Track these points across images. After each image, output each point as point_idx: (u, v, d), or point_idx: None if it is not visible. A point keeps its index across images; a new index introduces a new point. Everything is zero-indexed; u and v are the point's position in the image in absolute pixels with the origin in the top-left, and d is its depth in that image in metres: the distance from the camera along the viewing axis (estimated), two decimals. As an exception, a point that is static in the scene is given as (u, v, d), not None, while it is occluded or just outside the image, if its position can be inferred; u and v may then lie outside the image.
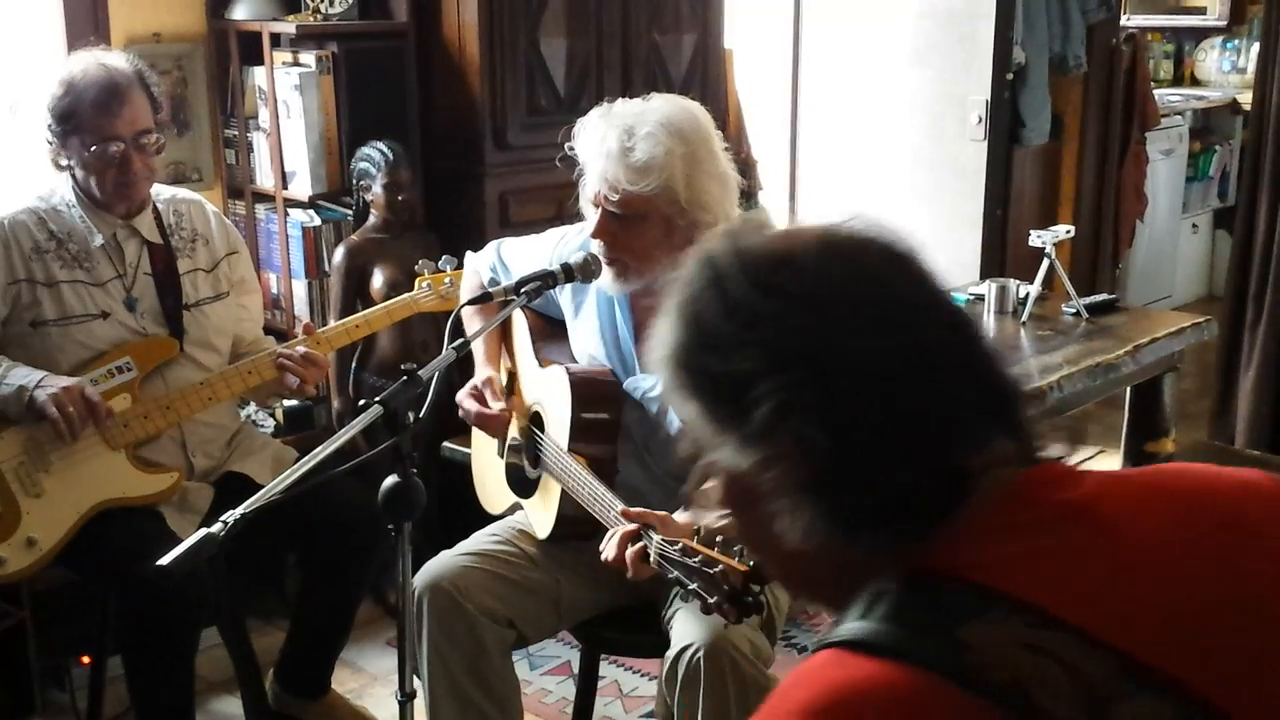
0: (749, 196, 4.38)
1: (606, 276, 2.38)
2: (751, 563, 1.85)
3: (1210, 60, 7.01)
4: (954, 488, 0.98)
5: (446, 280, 2.95)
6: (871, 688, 0.91)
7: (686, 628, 2.23)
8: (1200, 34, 7.02)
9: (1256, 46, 6.37)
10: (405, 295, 2.96)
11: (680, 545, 1.93)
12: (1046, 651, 0.90)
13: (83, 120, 2.62)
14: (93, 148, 2.63)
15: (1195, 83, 7.07)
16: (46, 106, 2.65)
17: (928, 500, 0.98)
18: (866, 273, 1.03)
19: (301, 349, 2.78)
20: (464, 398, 2.57)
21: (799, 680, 0.96)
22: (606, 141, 2.28)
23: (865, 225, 1.07)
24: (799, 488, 0.99)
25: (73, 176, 2.71)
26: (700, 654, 2.16)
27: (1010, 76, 4.92)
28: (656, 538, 1.99)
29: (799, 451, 0.98)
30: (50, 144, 2.68)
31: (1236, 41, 6.88)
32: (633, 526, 2.06)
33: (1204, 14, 6.91)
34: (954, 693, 0.89)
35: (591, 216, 2.37)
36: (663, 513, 2.12)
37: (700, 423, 1.05)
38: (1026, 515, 0.99)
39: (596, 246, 2.36)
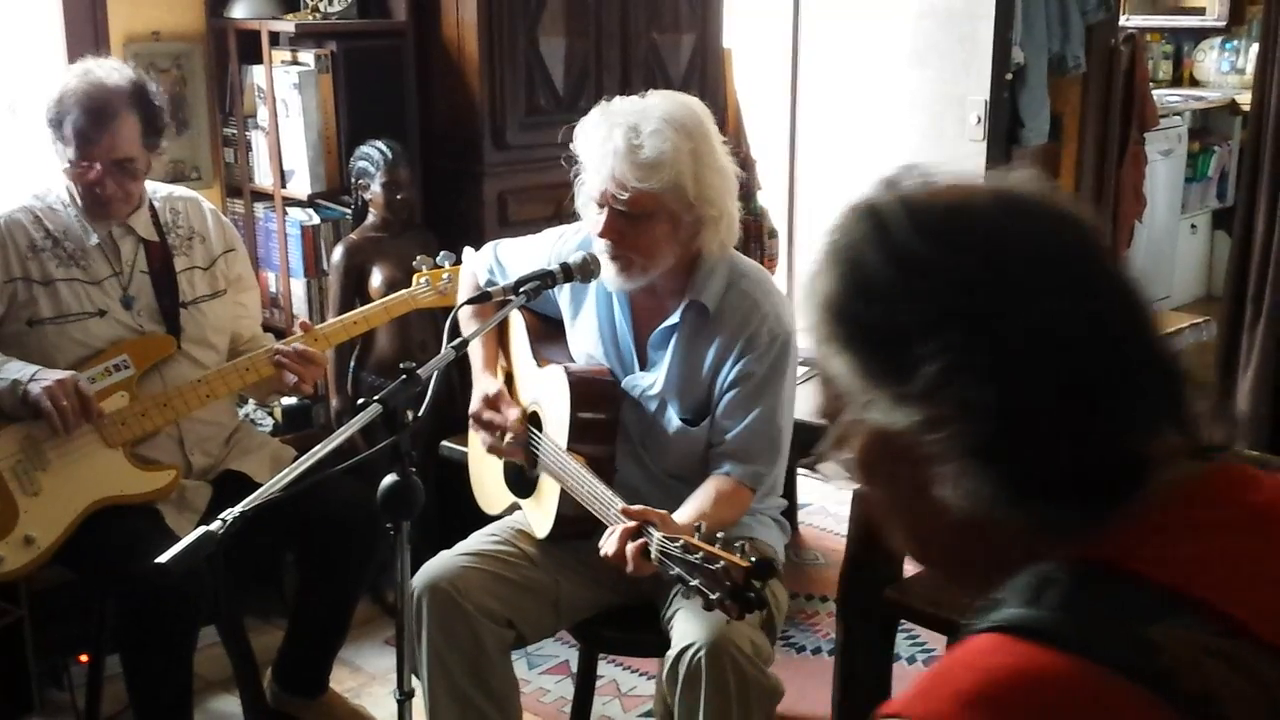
0: (748, 196, 4.38)
1: (610, 272, 2.37)
2: (754, 559, 1.84)
3: (1209, 61, 7.01)
4: (1128, 472, 0.92)
5: (444, 276, 2.94)
6: (1050, 678, 0.85)
7: (687, 627, 2.23)
8: (1199, 34, 7.02)
9: (1255, 47, 6.36)
10: (403, 291, 2.96)
11: (681, 542, 1.92)
12: (1238, 663, 0.84)
13: (65, 136, 2.63)
14: (67, 165, 2.64)
15: (1194, 83, 7.07)
16: (45, 109, 2.65)
17: (1101, 480, 0.91)
18: (1045, 232, 0.96)
19: (297, 345, 2.78)
20: (480, 409, 2.53)
21: (961, 663, 0.88)
22: (612, 140, 2.27)
23: (1039, 185, 1.00)
24: (966, 452, 0.92)
25: None
26: (702, 653, 2.16)
27: (1009, 77, 4.91)
28: (657, 534, 1.99)
29: (963, 414, 0.92)
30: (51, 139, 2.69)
31: (1235, 42, 6.88)
32: (633, 524, 2.06)
33: (1203, 14, 6.91)
34: (1141, 694, 0.83)
35: (592, 216, 2.36)
36: (663, 511, 2.12)
37: (850, 377, 0.98)
38: (1213, 516, 0.93)
39: (601, 244, 2.36)
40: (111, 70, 2.69)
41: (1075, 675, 0.84)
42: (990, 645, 0.88)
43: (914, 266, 0.95)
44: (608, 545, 2.09)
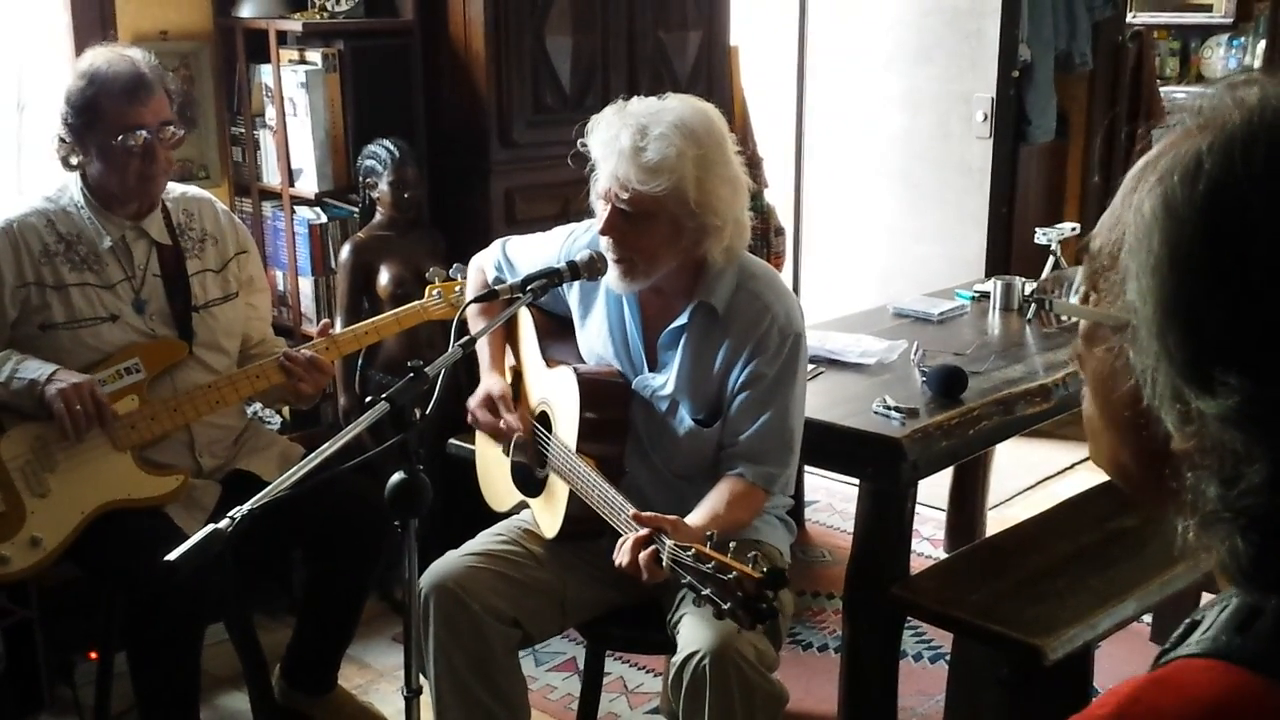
0: (754, 195, 4.37)
1: (613, 274, 2.38)
2: (765, 569, 1.84)
3: (1216, 57, 6.99)
4: None
5: (457, 289, 2.94)
6: (1257, 707, 0.79)
7: (693, 634, 2.23)
8: (1206, 31, 7.00)
9: (1263, 44, 6.37)
10: (415, 303, 2.96)
11: (693, 551, 1.92)
12: None
13: (107, 110, 2.61)
14: (118, 138, 2.61)
15: (1201, 80, 7.05)
16: (66, 99, 2.63)
17: None
18: None
19: (308, 353, 2.78)
20: (476, 407, 2.58)
21: (1163, 685, 0.83)
22: (620, 139, 2.28)
23: None
24: None
25: (83, 176, 2.71)
26: (706, 661, 2.16)
27: (1016, 74, 4.91)
28: (669, 542, 1.99)
29: None
30: (64, 141, 2.67)
31: (1243, 39, 6.86)
32: (644, 532, 2.06)
33: (1210, 11, 6.89)
34: None
35: (600, 212, 2.37)
36: (674, 517, 2.12)
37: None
38: None
39: (605, 243, 2.36)
40: (128, 49, 2.71)
41: None
42: (1195, 671, 0.83)
43: None
44: (621, 556, 2.09)
